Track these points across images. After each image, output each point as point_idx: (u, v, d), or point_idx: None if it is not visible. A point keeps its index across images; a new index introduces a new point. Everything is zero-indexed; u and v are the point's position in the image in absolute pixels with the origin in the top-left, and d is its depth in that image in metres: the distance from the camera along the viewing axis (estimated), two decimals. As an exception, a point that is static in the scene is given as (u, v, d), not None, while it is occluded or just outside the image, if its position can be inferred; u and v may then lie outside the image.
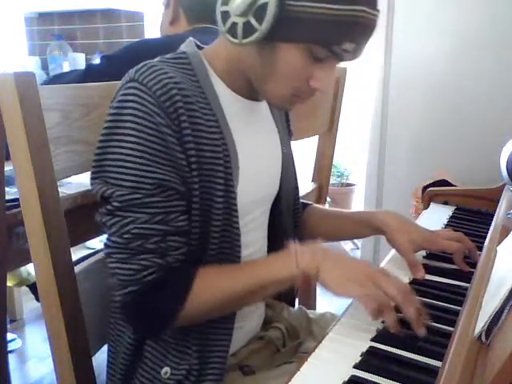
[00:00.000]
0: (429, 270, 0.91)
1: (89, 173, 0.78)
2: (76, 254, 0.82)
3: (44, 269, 0.78)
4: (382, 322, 0.73)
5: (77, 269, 0.83)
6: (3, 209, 1.12)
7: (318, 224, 1.07)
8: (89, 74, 1.27)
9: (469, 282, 0.83)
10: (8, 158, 1.03)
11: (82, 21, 2.95)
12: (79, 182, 1.06)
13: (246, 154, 0.82)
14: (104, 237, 0.77)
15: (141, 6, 2.75)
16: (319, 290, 1.64)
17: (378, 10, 0.73)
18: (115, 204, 0.73)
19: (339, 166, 3.26)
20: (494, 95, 2.02)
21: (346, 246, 3.10)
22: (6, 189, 1.13)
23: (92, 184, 0.76)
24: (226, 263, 0.80)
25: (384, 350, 0.68)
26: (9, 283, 1.77)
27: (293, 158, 1.01)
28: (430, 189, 1.41)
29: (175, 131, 0.73)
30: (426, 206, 1.36)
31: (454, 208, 1.32)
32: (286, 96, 0.79)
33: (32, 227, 0.77)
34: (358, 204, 3.15)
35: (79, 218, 0.79)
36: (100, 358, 0.93)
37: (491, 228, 0.99)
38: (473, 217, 1.24)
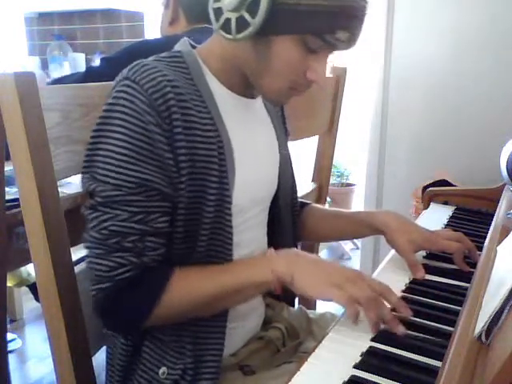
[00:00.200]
0: (429, 269, 0.91)
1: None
2: (76, 254, 0.82)
3: (44, 269, 0.78)
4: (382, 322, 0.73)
5: (77, 269, 0.83)
6: (3, 209, 1.12)
7: (317, 224, 1.07)
8: (89, 77, 1.28)
9: (469, 282, 0.83)
10: (8, 157, 1.03)
11: (81, 21, 2.96)
12: (79, 182, 1.05)
13: (242, 151, 0.82)
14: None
15: (141, 6, 2.75)
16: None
17: None
18: (97, 199, 0.74)
19: (339, 166, 3.26)
20: (494, 95, 2.02)
21: (346, 246, 3.10)
22: (6, 189, 1.14)
23: (82, 179, 0.77)
24: (216, 263, 0.80)
25: (384, 350, 0.68)
26: (9, 283, 1.77)
27: (290, 157, 1.01)
28: (430, 189, 1.41)
29: (165, 130, 0.73)
30: (426, 206, 1.36)
31: (454, 208, 1.32)
32: (283, 90, 0.79)
33: (32, 227, 0.77)
34: (358, 204, 3.15)
35: (79, 218, 0.79)
36: (100, 358, 0.93)
37: (491, 228, 0.99)
38: (473, 217, 1.24)
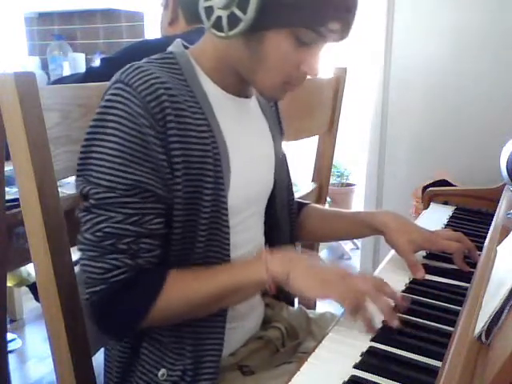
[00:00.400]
0: (429, 269, 0.91)
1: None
2: (76, 253, 0.82)
3: (44, 269, 0.78)
4: (383, 322, 0.73)
5: (77, 269, 0.83)
6: (3, 209, 1.12)
7: (317, 224, 1.07)
8: (89, 77, 1.27)
9: (469, 282, 0.83)
10: (8, 157, 1.03)
11: (81, 21, 2.95)
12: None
13: (237, 151, 0.82)
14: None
15: (141, 6, 2.75)
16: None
17: None
18: (91, 201, 0.73)
19: (339, 166, 3.26)
20: (494, 95, 2.02)
21: (346, 246, 3.10)
22: (6, 189, 1.14)
23: (76, 181, 0.77)
24: (213, 264, 0.80)
25: (384, 350, 0.68)
26: (9, 283, 1.77)
27: (285, 156, 1.01)
28: (430, 189, 1.41)
29: (159, 132, 0.73)
30: (426, 206, 1.36)
31: (453, 208, 1.32)
32: (278, 85, 0.79)
33: (32, 227, 0.77)
34: (358, 204, 3.15)
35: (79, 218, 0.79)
36: (100, 358, 0.92)
37: (491, 228, 0.99)
38: (473, 217, 1.24)
